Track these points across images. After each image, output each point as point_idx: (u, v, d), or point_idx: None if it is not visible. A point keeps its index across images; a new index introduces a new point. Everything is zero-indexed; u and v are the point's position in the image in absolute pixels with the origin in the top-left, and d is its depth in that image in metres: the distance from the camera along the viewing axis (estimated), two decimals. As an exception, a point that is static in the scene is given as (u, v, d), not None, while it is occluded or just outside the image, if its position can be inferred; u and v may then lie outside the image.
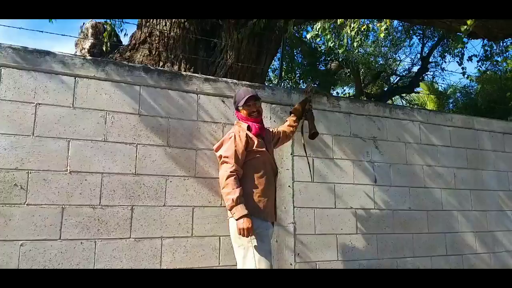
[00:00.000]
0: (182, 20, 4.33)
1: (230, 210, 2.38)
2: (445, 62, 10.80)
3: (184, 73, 3.20)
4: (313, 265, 3.20)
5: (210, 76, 3.29)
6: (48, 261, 2.47)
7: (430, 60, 8.67)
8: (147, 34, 4.35)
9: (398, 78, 9.96)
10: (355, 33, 3.25)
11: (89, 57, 2.91)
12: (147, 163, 2.82)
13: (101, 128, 2.74)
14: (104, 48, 3.79)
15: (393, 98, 10.59)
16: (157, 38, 4.31)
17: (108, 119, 2.77)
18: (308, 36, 3.80)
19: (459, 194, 3.98)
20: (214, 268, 2.88)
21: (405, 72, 9.77)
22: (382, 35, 3.30)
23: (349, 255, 3.35)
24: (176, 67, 4.19)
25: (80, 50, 4.69)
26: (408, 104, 10.53)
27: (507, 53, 6.31)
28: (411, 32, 8.04)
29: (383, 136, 3.75)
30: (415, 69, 9.21)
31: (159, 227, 2.78)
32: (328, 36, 3.48)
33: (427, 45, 8.61)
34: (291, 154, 3.32)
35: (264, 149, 2.62)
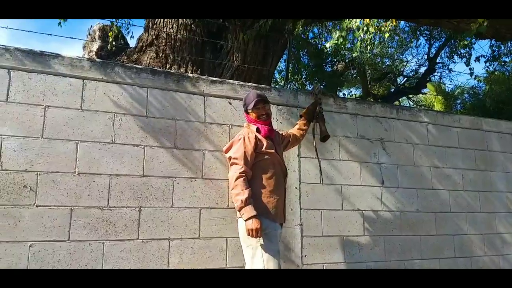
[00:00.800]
0: (189, 22, 4.35)
1: (239, 211, 2.40)
2: (453, 62, 10.72)
3: (190, 75, 3.21)
4: (320, 267, 3.19)
5: (216, 78, 3.30)
6: (57, 262, 2.49)
7: (437, 60, 8.62)
8: (154, 37, 4.38)
9: (405, 79, 9.91)
10: (371, 36, 3.25)
11: (97, 60, 2.94)
12: (154, 165, 2.83)
13: (109, 130, 2.76)
14: (109, 47, 3.81)
15: (400, 99, 10.53)
16: (164, 41, 4.33)
17: (116, 121, 2.79)
18: (328, 45, 3.82)
19: (467, 195, 3.95)
20: (221, 269, 2.88)
21: (412, 73, 9.73)
22: (386, 35, 3.28)
23: (356, 257, 3.34)
24: (182, 69, 4.21)
25: (88, 53, 4.73)
26: (415, 105, 10.47)
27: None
28: (418, 32, 8.00)
29: (390, 137, 3.73)
30: (422, 70, 9.17)
31: (167, 229, 2.79)
32: (345, 43, 3.50)
33: (434, 45, 8.57)
34: (298, 155, 3.32)
35: (273, 150, 2.64)
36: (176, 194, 2.85)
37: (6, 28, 2.99)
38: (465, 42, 4.35)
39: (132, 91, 2.87)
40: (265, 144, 2.59)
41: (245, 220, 2.35)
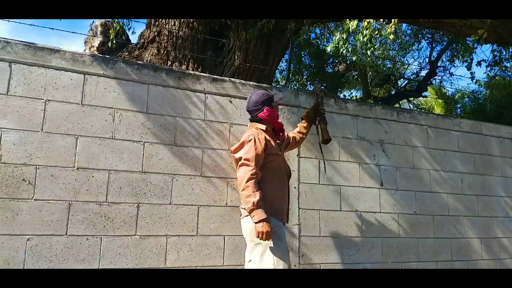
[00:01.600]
0: (191, 20, 4.35)
1: (250, 213, 2.38)
2: (454, 66, 10.74)
3: (192, 72, 3.21)
4: (317, 267, 3.19)
5: (217, 76, 3.29)
6: (54, 256, 2.49)
7: (439, 64, 8.63)
8: (156, 33, 4.37)
9: (406, 81, 9.92)
10: (367, 39, 3.24)
11: (98, 55, 2.93)
12: (154, 161, 2.83)
13: (109, 126, 2.75)
14: (109, 44, 3.81)
15: (400, 102, 10.54)
16: (165, 38, 4.33)
17: (116, 117, 2.78)
18: (328, 48, 3.82)
19: (465, 199, 3.95)
20: (219, 267, 2.88)
21: (413, 76, 9.74)
22: (391, 36, 3.27)
23: (354, 258, 3.34)
24: (184, 67, 4.20)
25: (89, 48, 4.72)
26: (415, 108, 10.48)
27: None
28: (419, 36, 8.01)
29: (390, 139, 3.73)
30: (423, 73, 9.17)
31: (165, 225, 2.78)
32: (346, 46, 3.49)
33: (435, 49, 8.58)
34: (297, 155, 3.31)
35: (279, 152, 2.68)
36: (175, 191, 2.85)
37: (8, 21, 2.99)
38: (467, 56, 4.39)
39: (133, 87, 2.87)
40: (274, 145, 2.61)
41: (256, 223, 2.34)
